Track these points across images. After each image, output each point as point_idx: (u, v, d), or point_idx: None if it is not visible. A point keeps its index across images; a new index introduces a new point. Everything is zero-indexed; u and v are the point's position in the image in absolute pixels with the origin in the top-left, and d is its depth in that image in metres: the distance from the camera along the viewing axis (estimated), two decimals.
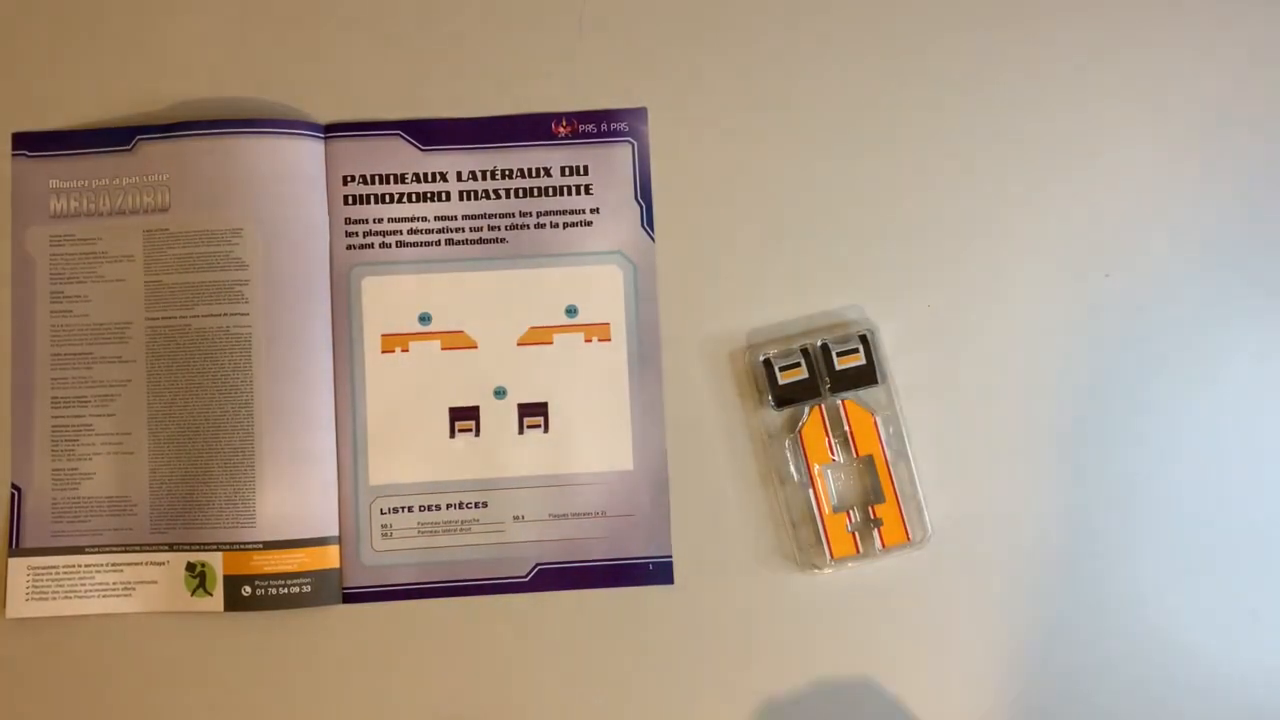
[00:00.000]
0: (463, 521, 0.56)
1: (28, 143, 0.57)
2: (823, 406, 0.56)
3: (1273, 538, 0.56)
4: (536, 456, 0.56)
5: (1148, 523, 0.56)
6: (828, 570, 0.55)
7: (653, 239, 0.57)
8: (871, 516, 0.55)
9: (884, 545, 0.55)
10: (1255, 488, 0.56)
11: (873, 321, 0.56)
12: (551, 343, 0.57)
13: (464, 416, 0.56)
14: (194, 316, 0.55)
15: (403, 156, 0.57)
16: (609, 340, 0.57)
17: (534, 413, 0.56)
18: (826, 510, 0.55)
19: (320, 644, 0.55)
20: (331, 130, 0.57)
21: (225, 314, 0.55)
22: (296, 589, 0.54)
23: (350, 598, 0.55)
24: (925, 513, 0.55)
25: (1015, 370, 0.57)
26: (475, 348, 0.56)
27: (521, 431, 0.56)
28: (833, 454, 0.55)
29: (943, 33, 0.58)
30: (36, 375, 0.56)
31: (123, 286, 0.56)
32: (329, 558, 0.55)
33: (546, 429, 0.56)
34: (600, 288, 0.57)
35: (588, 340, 0.57)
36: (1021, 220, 0.57)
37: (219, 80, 0.57)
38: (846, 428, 0.55)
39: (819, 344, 0.56)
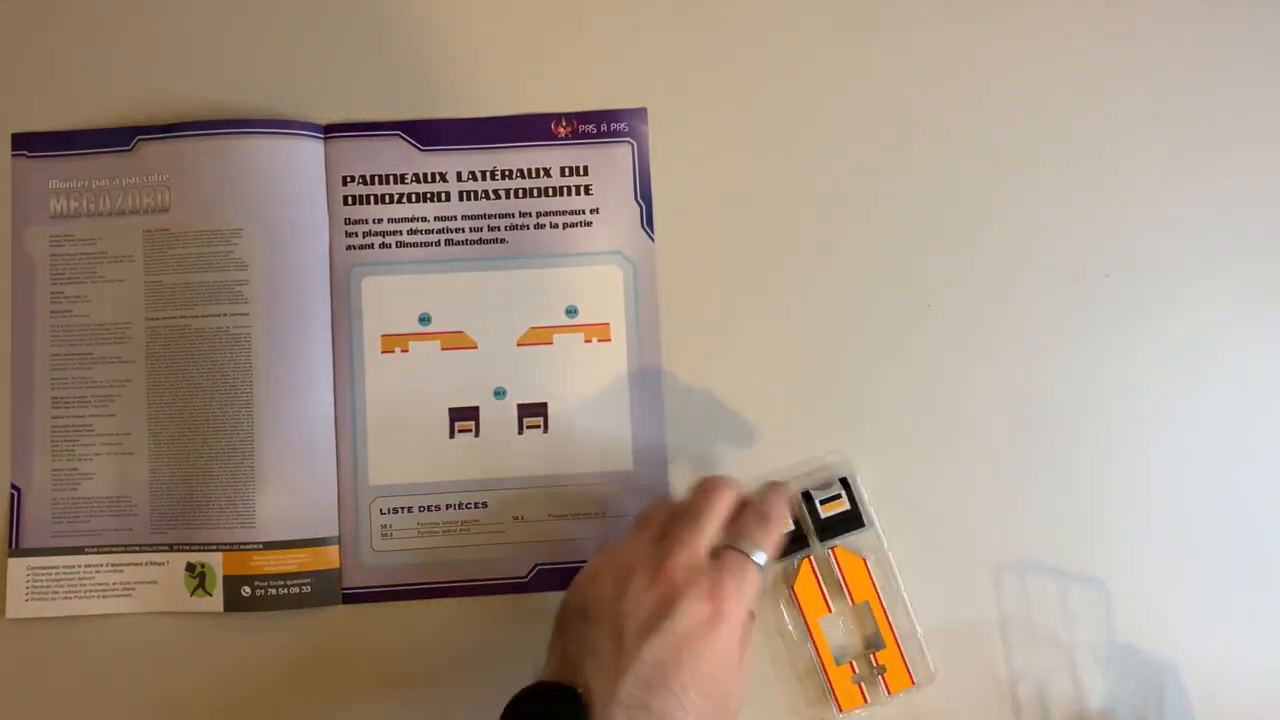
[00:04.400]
0: (462, 522, 0.56)
1: (28, 143, 0.57)
2: (812, 558, 0.54)
3: (1273, 538, 0.56)
4: (536, 457, 0.56)
5: (1147, 523, 0.56)
6: None
7: (652, 239, 0.57)
8: (874, 664, 0.54)
9: (890, 692, 0.53)
10: (1256, 488, 0.56)
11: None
12: (551, 343, 0.57)
13: (464, 417, 0.56)
14: (194, 317, 0.55)
15: (402, 157, 0.57)
16: (609, 340, 0.57)
17: (534, 413, 0.56)
18: (829, 663, 0.54)
19: (320, 644, 0.55)
20: (331, 130, 0.57)
21: (225, 314, 0.55)
22: (296, 589, 0.54)
23: (350, 598, 0.55)
24: (927, 654, 0.54)
25: (1013, 367, 0.57)
26: (475, 348, 0.56)
27: (521, 432, 0.56)
28: (829, 606, 0.54)
29: (942, 30, 0.58)
30: (36, 375, 0.56)
31: (122, 287, 0.56)
32: (329, 558, 0.55)
33: (546, 429, 0.56)
34: (600, 288, 0.57)
35: (587, 341, 0.57)
36: (1022, 219, 0.57)
37: (219, 80, 0.57)
38: (839, 576, 0.54)
39: (800, 493, 0.55)
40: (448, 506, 0.56)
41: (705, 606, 0.44)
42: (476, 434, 0.56)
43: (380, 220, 0.57)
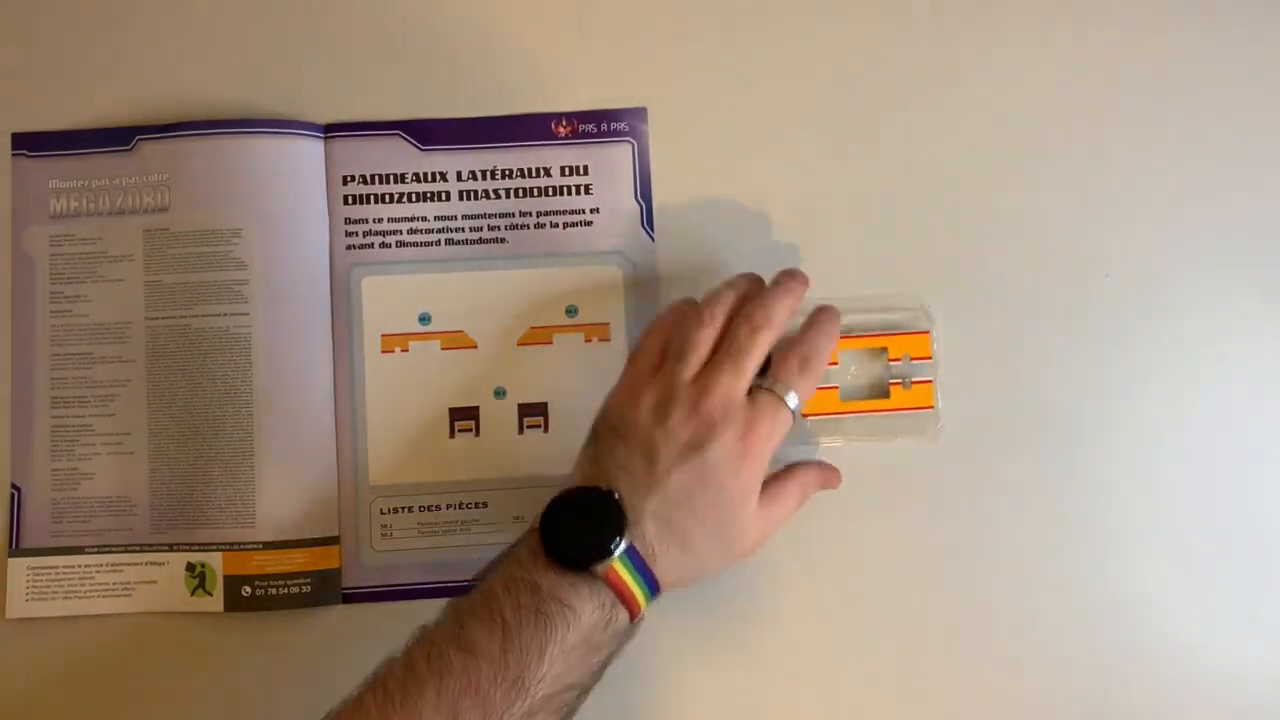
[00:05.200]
0: (463, 522, 0.56)
1: (27, 143, 0.57)
2: None
3: (1273, 538, 0.56)
4: (537, 457, 0.56)
5: (1148, 523, 0.56)
6: None
7: (653, 239, 0.57)
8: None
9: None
10: (1256, 488, 0.56)
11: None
12: (551, 343, 0.57)
13: (464, 416, 0.56)
14: (194, 316, 0.55)
15: (402, 156, 0.57)
16: (609, 340, 0.57)
17: (534, 413, 0.56)
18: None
19: (320, 644, 0.55)
20: (331, 130, 0.57)
21: (225, 314, 0.55)
22: (296, 589, 0.54)
23: (350, 598, 0.55)
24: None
25: (1013, 367, 0.57)
26: (475, 348, 0.56)
27: (521, 431, 0.56)
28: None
29: (940, 33, 0.58)
30: (36, 375, 0.56)
31: (122, 286, 0.56)
32: (329, 558, 0.55)
33: (547, 429, 0.56)
34: (600, 288, 0.57)
35: (588, 340, 0.57)
36: (1022, 219, 0.58)
37: (219, 80, 0.57)
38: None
39: None
40: (448, 506, 0.56)
41: (737, 445, 0.46)
42: (477, 434, 0.56)
43: (380, 220, 0.57)
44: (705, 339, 0.49)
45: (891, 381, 0.55)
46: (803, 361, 0.49)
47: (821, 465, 0.53)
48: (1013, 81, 0.58)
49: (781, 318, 0.49)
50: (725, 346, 0.48)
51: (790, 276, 0.51)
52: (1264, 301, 0.57)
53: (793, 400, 0.48)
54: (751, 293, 0.51)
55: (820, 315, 0.51)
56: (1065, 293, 0.57)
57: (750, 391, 0.48)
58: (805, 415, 0.55)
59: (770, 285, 0.51)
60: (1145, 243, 0.58)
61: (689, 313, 0.50)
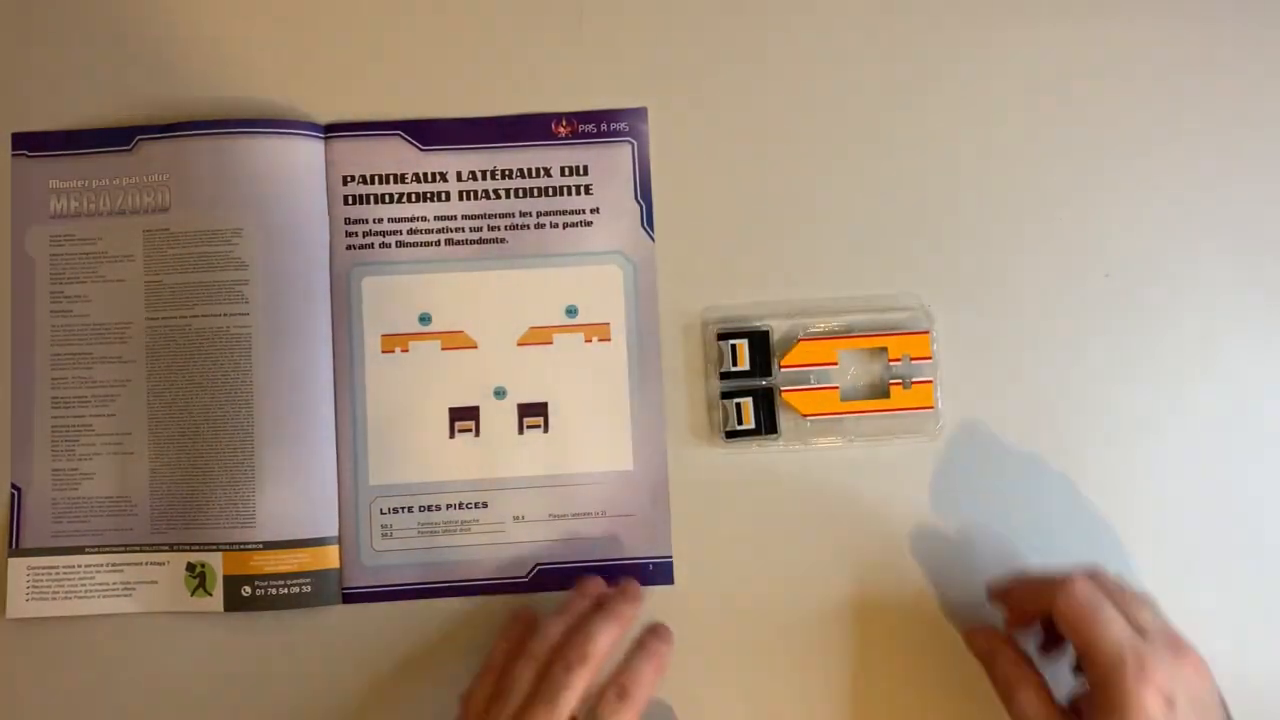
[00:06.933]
0: (463, 522, 0.56)
1: (28, 142, 0.57)
2: None
3: (1273, 538, 0.56)
4: (536, 457, 0.56)
5: (1147, 523, 0.56)
6: None
7: (652, 239, 0.57)
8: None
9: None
10: (1256, 488, 0.56)
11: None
12: (551, 343, 0.57)
13: (464, 416, 0.56)
14: (194, 316, 0.55)
15: (402, 156, 0.57)
16: (609, 340, 0.57)
17: (534, 413, 0.56)
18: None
19: (320, 644, 0.55)
20: (331, 130, 0.57)
21: (225, 314, 0.55)
22: (296, 589, 0.54)
23: (350, 598, 0.55)
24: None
25: (1013, 367, 0.57)
26: (475, 348, 0.56)
27: (521, 432, 0.56)
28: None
29: (944, 33, 0.58)
30: (36, 375, 0.56)
31: (123, 286, 0.56)
32: (329, 558, 0.55)
33: (546, 429, 0.56)
34: (600, 288, 0.57)
35: (588, 340, 0.57)
36: (1021, 218, 0.58)
37: (219, 80, 0.57)
38: None
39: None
40: (448, 506, 0.56)
41: None
42: (477, 434, 0.56)
43: (380, 220, 0.57)
44: (524, 679, 0.49)
45: (891, 381, 0.56)
46: (620, 692, 0.48)
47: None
48: (1013, 82, 0.58)
49: (602, 650, 0.49)
50: (541, 686, 0.48)
51: (621, 599, 0.51)
52: (1264, 301, 0.57)
53: None
54: (585, 613, 0.51)
55: (647, 638, 0.51)
56: (1065, 293, 0.57)
57: None
58: (806, 416, 0.55)
59: (598, 612, 0.50)
60: (1145, 243, 0.58)
61: (516, 646, 0.51)
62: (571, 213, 0.57)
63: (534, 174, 0.57)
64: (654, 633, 0.52)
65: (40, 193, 0.56)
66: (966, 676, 0.55)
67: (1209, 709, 0.46)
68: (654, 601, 0.55)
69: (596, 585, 0.53)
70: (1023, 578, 0.52)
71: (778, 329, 0.56)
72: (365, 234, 0.57)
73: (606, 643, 0.49)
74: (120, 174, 0.56)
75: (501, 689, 0.49)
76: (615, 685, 0.48)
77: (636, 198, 0.57)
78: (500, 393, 0.56)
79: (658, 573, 0.55)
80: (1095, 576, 0.49)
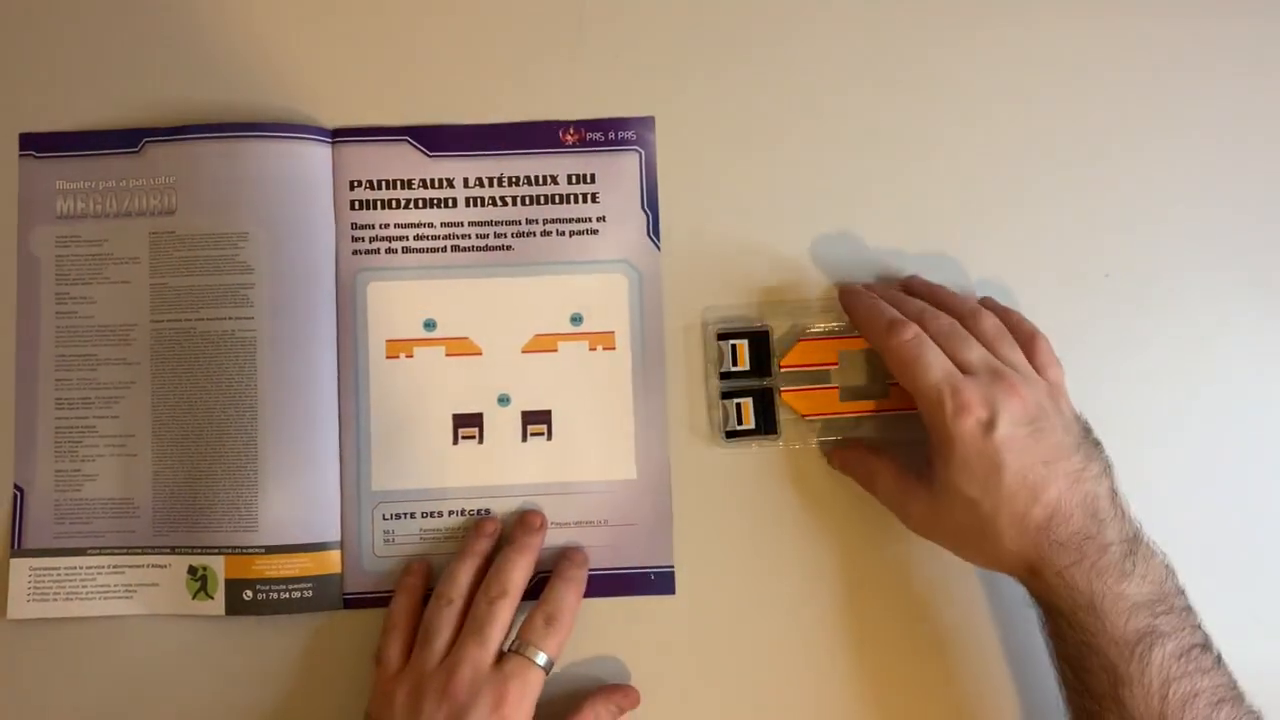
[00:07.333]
0: (465, 529, 0.56)
1: (35, 143, 0.57)
2: None
3: (1274, 538, 0.56)
4: (539, 464, 0.56)
5: (1147, 523, 0.56)
6: None
7: (659, 248, 0.57)
8: None
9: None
10: (1255, 488, 0.56)
11: None
12: (556, 350, 0.57)
13: (467, 423, 0.56)
14: (199, 319, 0.55)
15: (410, 162, 0.57)
16: (614, 349, 0.57)
17: (537, 420, 0.56)
18: None
19: (320, 649, 0.55)
20: (339, 135, 0.57)
21: (230, 317, 0.55)
22: (298, 594, 0.54)
23: (351, 603, 0.55)
24: None
25: None
26: (480, 354, 0.56)
27: (525, 439, 0.56)
28: None
29: (943, 40, 0.58)
30: (41, 376, 0.56)
31: (128, 288, 0.56)
32: (330, 563, 0.55)
33: (550, 437, 0.56)
34: (605, 296, 0.57)
35: (592, 348, 0.57)
36: (1021, 219, 0.58)
37: (226, 83, 0.57)
38: None
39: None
40: (450, 513, 0.56)
41: (491, 718, 0.48)
42: (480, 441, 0.56)
43: (387, 225, 0.57)
44: (447, 620, 0.51)
45: (891, 382, 0.55)
46: (548, 619, 0.51)
47: (614, 691, 0.53)
48: (1012, 84, 0.58)
49: (519, 582, 0.51)
50: (467, 623, 0.50)
51: (524, 531, 0.53)
52: (1264, 301, 0.57)
53: (541, 658, 0.50)
54: (491, 556, 0.53)
55: (564, 565, 0.53)
56: (1065, 293, 0.57)
57: (500, 657, 0.50)
58: (806, 416, 0.55)
59: (506, 547, 0.53)
60: (1145, 243, 0.58)
61: (417, 598, 0.53)
62: (578, 220, 0.57)
63: (541, 181, 0.57)
64: (569, 559, 0.54)
65: (47, 193, 0.56)
66: (969, 678, 0.55)
67: (1044, 428, 0.47)
68: (655, 611, 0.55)
69: (494, 524, 0.55)
70: (868, 294, 0.52)
71: (778, 329, 0.56)
72: (371, 239, 0.57)
73: (522, 575, 0.52)
74: (127, 176, 0.56)
75: (425, 636, 0.51)
76: (542, 613, 0.51)
77: (643, 206, 0.57)
78: (504, 400, 0.56)
79: (659, 582, 0.55)
80: (975, 313, 0.51)
